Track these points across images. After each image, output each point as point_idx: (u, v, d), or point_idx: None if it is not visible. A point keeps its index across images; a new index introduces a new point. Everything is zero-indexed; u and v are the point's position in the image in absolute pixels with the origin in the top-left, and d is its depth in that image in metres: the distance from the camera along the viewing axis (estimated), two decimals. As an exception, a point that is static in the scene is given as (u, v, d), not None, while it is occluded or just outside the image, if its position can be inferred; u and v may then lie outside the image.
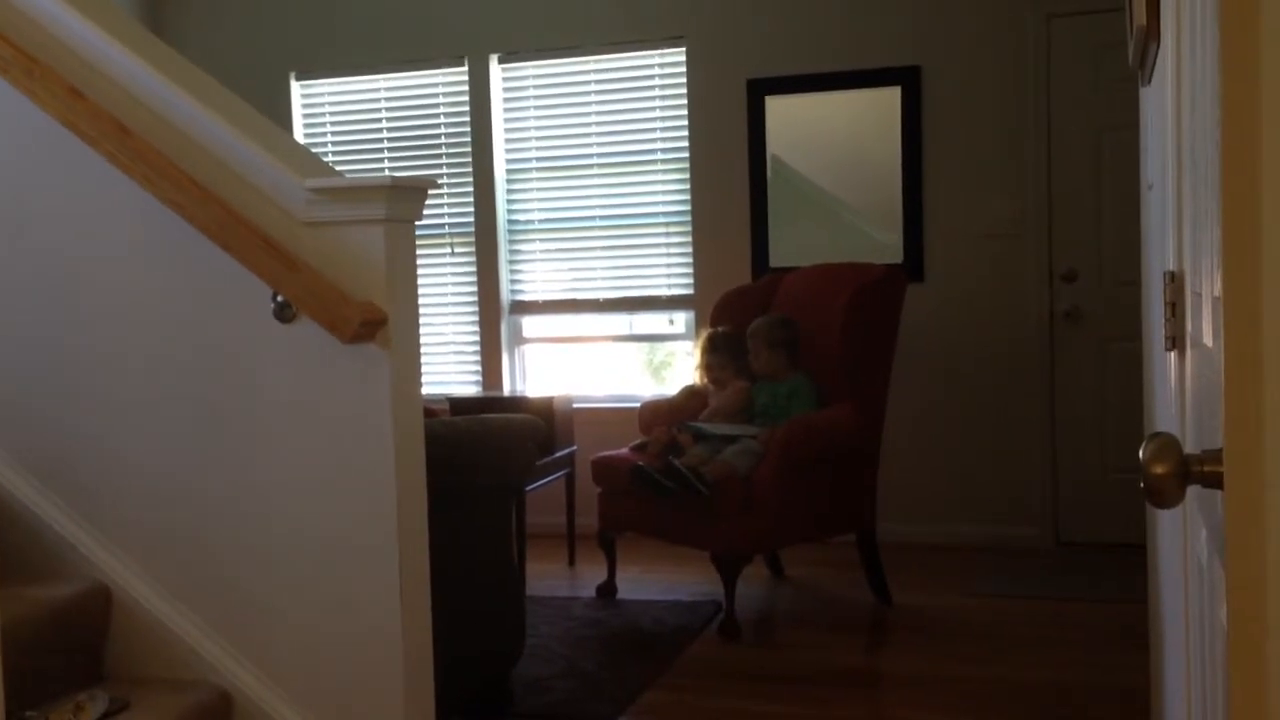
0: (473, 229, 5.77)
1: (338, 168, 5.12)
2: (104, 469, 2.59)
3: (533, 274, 5.80)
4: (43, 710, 2.26)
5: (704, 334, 4.57)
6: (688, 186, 5.51)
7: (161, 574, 2.57)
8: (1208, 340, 1.08)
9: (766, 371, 4.34)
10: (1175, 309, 1.44)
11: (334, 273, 2.37)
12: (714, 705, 3.39)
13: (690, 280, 5.53)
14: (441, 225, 5.83)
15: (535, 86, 5.71)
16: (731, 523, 3.98)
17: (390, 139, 5.92)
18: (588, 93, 5.64)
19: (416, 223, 2.49)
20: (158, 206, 2.43)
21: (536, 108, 5.72)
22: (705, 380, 4.52)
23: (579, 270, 5.74)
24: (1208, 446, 0.94)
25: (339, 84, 5.96)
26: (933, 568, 4.80)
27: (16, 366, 2.64)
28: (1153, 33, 1.81)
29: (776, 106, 5.36)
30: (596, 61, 5.60)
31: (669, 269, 5.60)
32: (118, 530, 2.59)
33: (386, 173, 5.85)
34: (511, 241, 5.79)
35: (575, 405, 5.25)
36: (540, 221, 5.76)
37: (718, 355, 4.44)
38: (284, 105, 5.94)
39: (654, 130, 5.57)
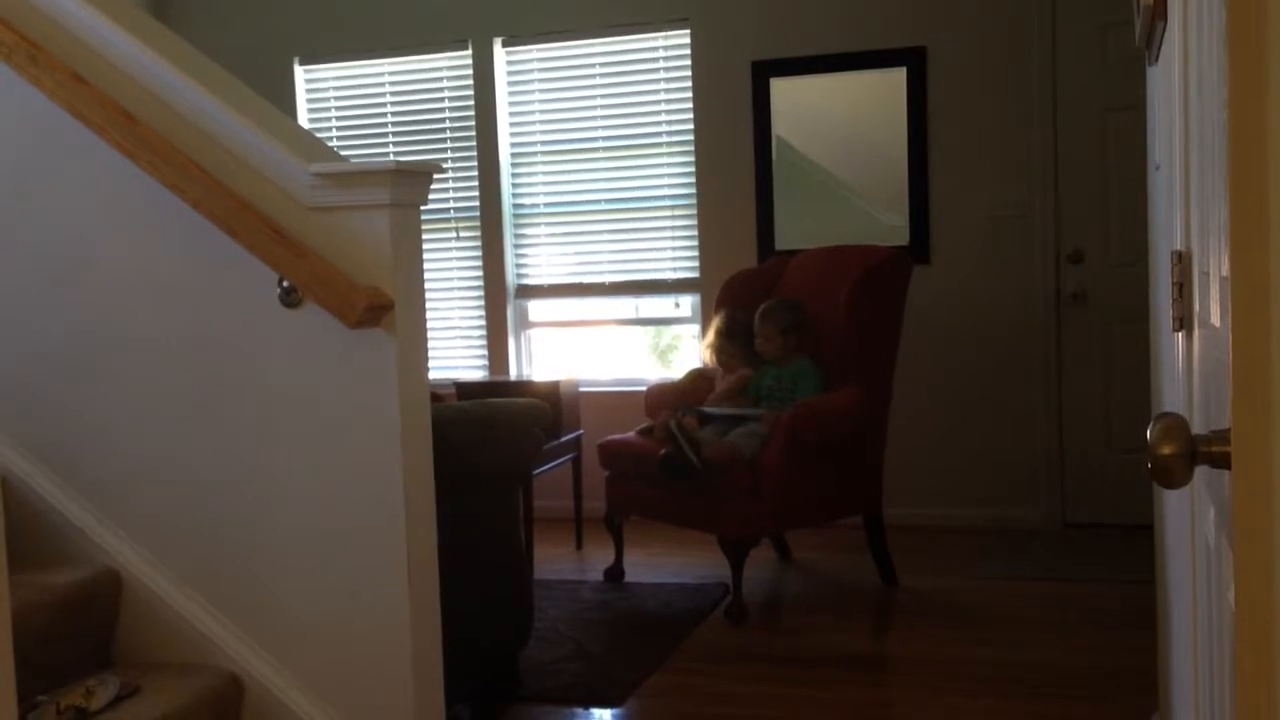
0: (478, 213, 5.77)
1: (342, 153, 5.11)
2: (112, 454, 2.60)
3: (538, 258, 5.79)
4: (54, 695, 2.27)
5: (721, 315, 4.53)
6: (693, 169, 5.50)
7: (171, 559, 2.58)
8: (1215, 320, 1.08)
9: (774, 354, 4.34)
10: (1182, 289, 1.43)
11: (339, 258, 2.37)
12: (721, 688, 3.40)
13: (696, 263, 5.52)
14: (447, 209, 5.83)
15: (539, 70, 5.70)
16: (738, 506, 3.98)
17: (395, 123, 5.91)
18: (592, 76, 5.62)
19: (422, 207, 2.49)
20: (163, 192, 2.43)
21: (541, 91, 5.71)
22: (714, 361, 4.52)
23: (584, 254, 5.74)
24: (1215, 427, 0.93)
25: (343, 69, 5.95)
26: (939, 550, 4.80)
27: (25, 353, 2.64)
28: (1159, 11, 1.80)
29: (782, 88, 5.34)
30: (601, 44, 5.58)
31: (674, 252, 5.60)
32: (126, 516, 2.60)
33: (391, 157, 5.85)
34: (517, 225, 5.79)
35: (581, 389, 5.25)
36: (545, 205, 5.76)
37: (732, 342, 4.43)
38: (288, 90, 5.93)
39: (659, 113, 5.56)
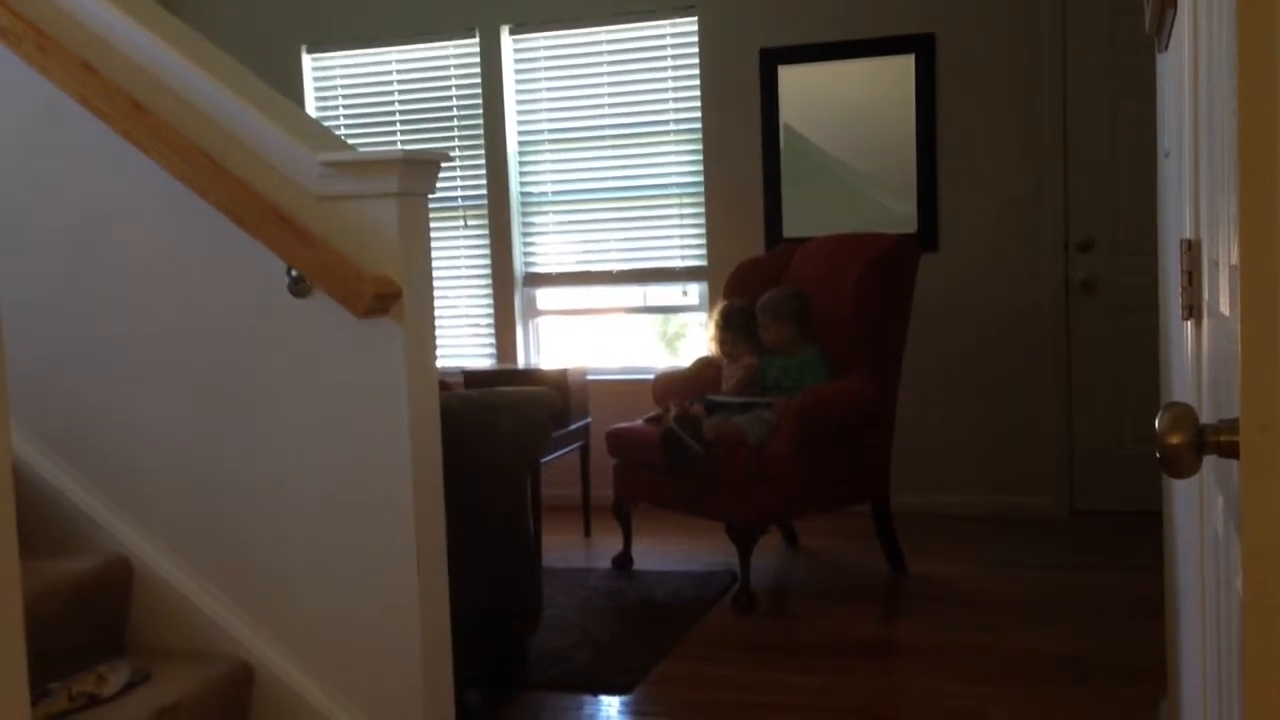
0: (486, 202, 5.77)
1: (350, 141, 5.12)
2: (123, 442, 2.61)
3: (546, 246, 5.79)
4: (66, 682, 2.28)
5: (719, 307, 4.56)
6: (700, 157, 5.49)
7: (182, 547, 2.59)
8: (1224, 309, 1.08)
9: (776, 344, 4.34)
10: (1192, 277, 1.43)
11: (348, 247, 2.37)
12: (729, 675, 3.41)
13: (703, 252, 5.52)
14: (454, 198, 5.83)
15: (547, 58, 5.69)
16: (746, 493, 3.99)
17: (402, 112, 5.91)
18: (599, 64, 5.61)
19: (430, 196, 2.50)
20: (172, 182, 2.43)
21: (548, 79, 5.70)
22: (719, 353, 4.53)
23: (592, 242, 5.74)
24: (1224, 416, 0.93)
25: (350, 57, 5.95)
26: (947, 537, 4.80)
27: (36, 341, 2.65)
28: (1170, -2, 1.79)
29: (789, 76, 5.33)
30: (608, 32, 5.57)
31: (682, 240, 5.59)
32: (138, 504, 2.61)
33: (399, 146, 5.85)
34: (524, 214, 5.79)
35: (589, 377, 5.26)
36: (553, 194, 5.76)
37: (731, 332, 4.44)
38: (295, 79, 5.93)
39: (666, 101, 5.55)
